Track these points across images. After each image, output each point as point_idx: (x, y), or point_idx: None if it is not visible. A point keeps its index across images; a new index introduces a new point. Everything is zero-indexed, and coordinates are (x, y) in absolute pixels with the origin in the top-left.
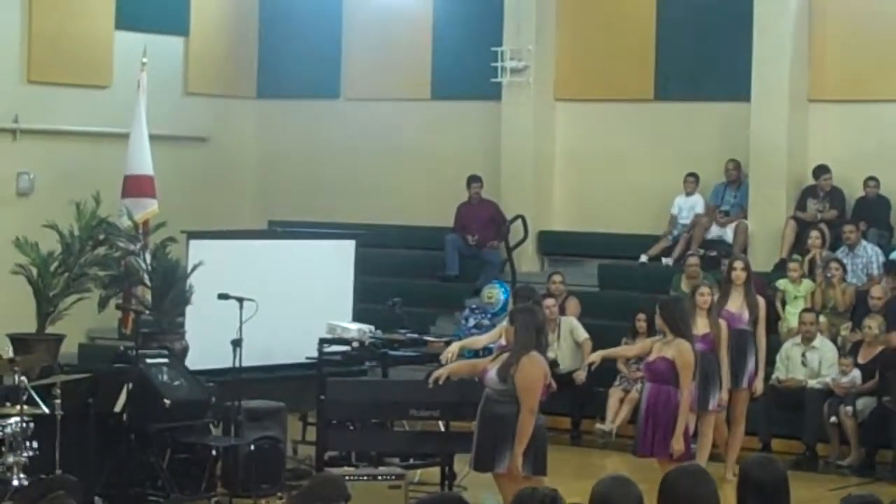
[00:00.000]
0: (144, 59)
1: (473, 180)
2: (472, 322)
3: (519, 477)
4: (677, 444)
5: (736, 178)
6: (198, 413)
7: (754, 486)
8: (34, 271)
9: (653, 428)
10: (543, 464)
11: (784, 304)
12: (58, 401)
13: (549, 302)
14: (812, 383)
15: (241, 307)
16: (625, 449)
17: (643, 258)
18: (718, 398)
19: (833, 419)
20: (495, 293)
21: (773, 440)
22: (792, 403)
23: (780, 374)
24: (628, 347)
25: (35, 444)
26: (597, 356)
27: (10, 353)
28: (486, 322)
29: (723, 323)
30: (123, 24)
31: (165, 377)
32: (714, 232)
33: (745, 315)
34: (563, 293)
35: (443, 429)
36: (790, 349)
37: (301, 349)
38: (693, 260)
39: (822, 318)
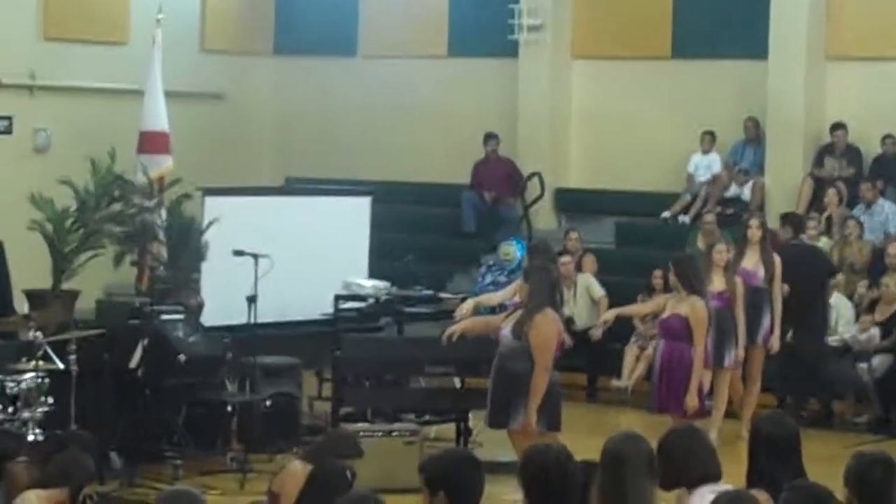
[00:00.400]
0: (160, 16)
1: (490, 137)
2: (488, 279)
3: (533, 433)
4: (691, 401)
5: (755, 136)
6: (213, 369)
7: (767, 442)
8: (49, 227)
9: (667, 384)
10: (557, 420)
11: None
12: (73, 356)
13: (566, 259)
14: (828, 341)
15: (256, 263)
16: (640, 406)
17: (665, 214)
18: (734, 355)
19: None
20: (511, 250)
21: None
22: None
23: None
24: (642, 305)
25: (50, 400)
26: (611, 314)
27: (26, 309)
28: (502, 279)
29: (739, 280)
30: None
31: (181, 333)
32: (732, 190)
33: (761, 272)
34: (580, 250)
35: (458, 385)
36: None
37: (316, 306)
38: (709, 217)
39: (839, 276)
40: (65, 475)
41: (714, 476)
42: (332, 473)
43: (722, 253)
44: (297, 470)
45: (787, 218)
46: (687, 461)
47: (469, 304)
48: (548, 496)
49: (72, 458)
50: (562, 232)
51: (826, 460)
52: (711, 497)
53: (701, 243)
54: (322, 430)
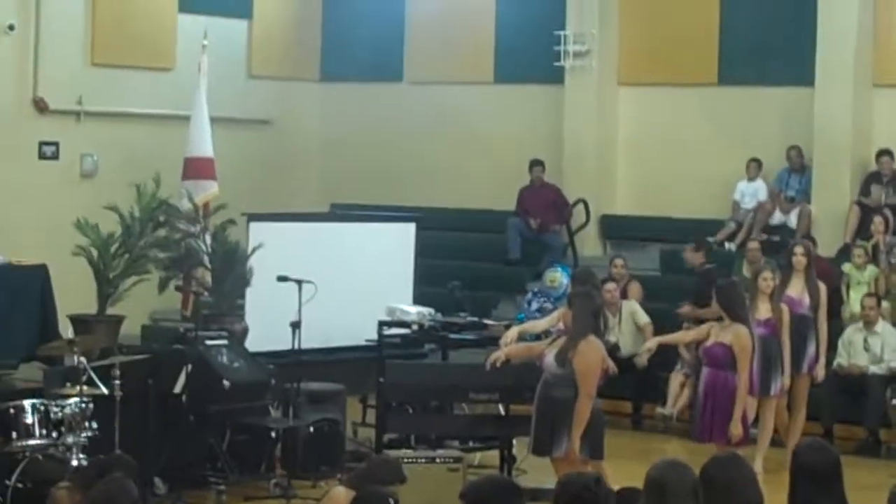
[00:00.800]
0: (205, 42)
1: (535, 164)
2: (535, 306)
3: (576, 461)
4: (735, 429)
5: (799, 164)
6: (257, 395)
7: (808, 472)
8: (95, 253)
9: (711, 412)
10: (601, 448)
11: (849, 288)
12: (117, 381)
13: (611, 286)
14: (874, 369)
15: (300, 289)
16: (685, 433)
17: (710, 240)
18: (780, 383)
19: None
20: (557, 277)
21: (835, 426)
22: (854, 389)
23: (842, 360)
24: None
25: (94, 425)
26: (653, 342)
27: (71, 334)
28: (549, 306)
29: (784, 308)
30: (187, 6)
31: (225, 359)
32: (777, 217)
33: (806, 300)
34: (626, 277)
35: (502, 412)
36: (852, 334)
37: (360, 332)
38: (753, 245)
39: (884, 304)
40: (109, 501)
41: None
42: (375, 500)
43: (768, 280)
44: (340, 496)
45: (699, 242)
46: (729, 489)
47: (513, 332)
48: None
49: (115, 484)
50: (607, 259)
51: (872, 489)
52: None
53: (746, 271)
54: (365, 457)
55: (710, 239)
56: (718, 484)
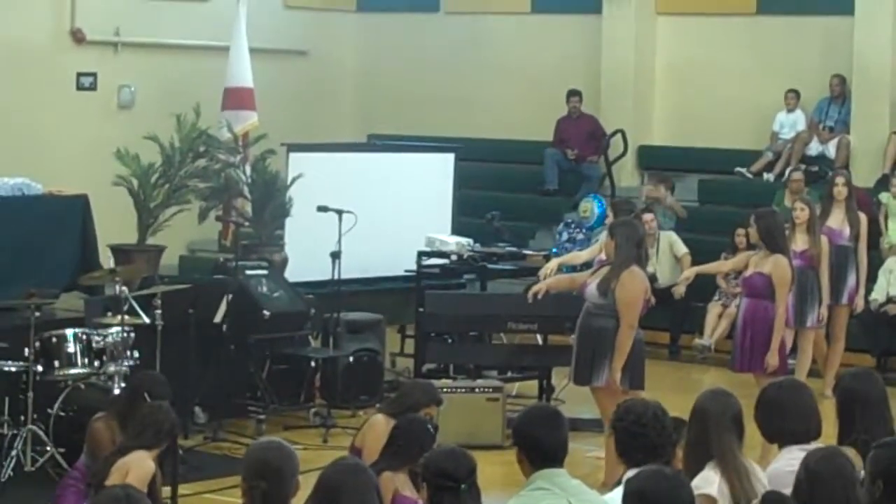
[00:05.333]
0: None
1: (573, 94)
2: (565, 236)
3: (617, 391)
4: (772, 359)
5: (840, 93)
6: (297, 324)
7: (859, 400)
8: (135, 183)
9: (750, 343)
10: (641, 378)
11: (887, 218)
12: (158, 311)
13: (648, 216)
14: None
15: (340, 219)
16: (723, 364)
17: (740, 169)
18: (817, 314)
19: None
20: (590, 207)
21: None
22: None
23: (877, 295)
24: (723, 262)
25: (136, 354)
26: (691, 272)
27: (112, 264)
28: (579, 236)
29: (824, 239)
30: None
31: (265, 289)
32: (815, 147)
33: (847, 231)
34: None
35: (541, 342)
36: (893, 263)
37: (400, 262)
38: (797, 175)
39: None
40: (157, 434)
41: (815, 434)
42: (414, 425)
43: (801, 211)
44: (380, 424)
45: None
46: (796, 415)
47: (553, 264)
48: (640, 450)
49: (163, 416)
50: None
51: None
52: (801, 454)
53: (788, 201)
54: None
55: (741, 169)
56: (784, 407)
